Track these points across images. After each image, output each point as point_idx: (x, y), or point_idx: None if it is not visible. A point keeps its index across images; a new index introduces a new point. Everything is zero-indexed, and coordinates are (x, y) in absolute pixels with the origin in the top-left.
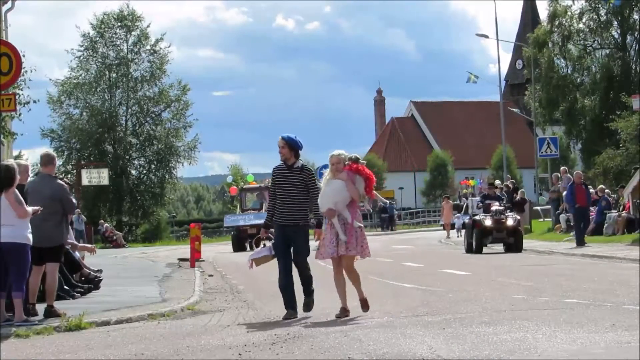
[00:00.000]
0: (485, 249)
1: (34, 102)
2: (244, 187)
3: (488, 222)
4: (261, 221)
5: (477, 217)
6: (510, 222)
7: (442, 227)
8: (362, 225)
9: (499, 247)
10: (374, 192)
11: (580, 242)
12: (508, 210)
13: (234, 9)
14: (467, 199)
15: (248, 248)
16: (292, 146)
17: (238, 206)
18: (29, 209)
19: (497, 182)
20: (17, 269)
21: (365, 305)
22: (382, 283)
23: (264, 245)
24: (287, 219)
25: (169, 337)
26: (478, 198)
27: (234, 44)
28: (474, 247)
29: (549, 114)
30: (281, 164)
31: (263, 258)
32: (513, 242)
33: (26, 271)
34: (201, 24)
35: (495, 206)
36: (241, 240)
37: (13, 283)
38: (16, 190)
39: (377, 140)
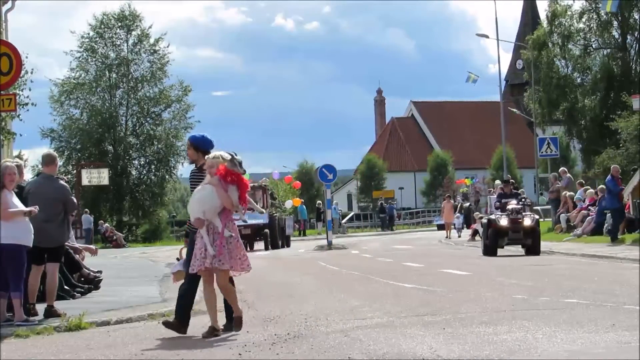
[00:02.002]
0: (502, 251)
1: (33, 104)
2: None
3: (504, 221)
4: (257, 221)
5: (492, 217)
6: (527, 222)
7: (436, 228)
8: (233, 235)
9: (516, 248)
10: (250, 199)
11: (615, 238)
12: (527, 209)
13: (233, 8)
14: (462, 198)
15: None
16: (197, 146)
17: None
18: (15, 210)
19: (497, 182)
20: (12, 269)
21: (238, 323)
22: (382, 283)
23: (178, 259)
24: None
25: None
26: (494, 197)
27: (233, 44)
28: (489, 248)
29: (549, 114)
30: (195, 168)
31: (178, 273)
32: (531, 243)
33: (22, 271)
34: (200, 23)
35: (512, 204)
36: None
37: (10, 283)
38: (4, 191)
39: (377, 140)
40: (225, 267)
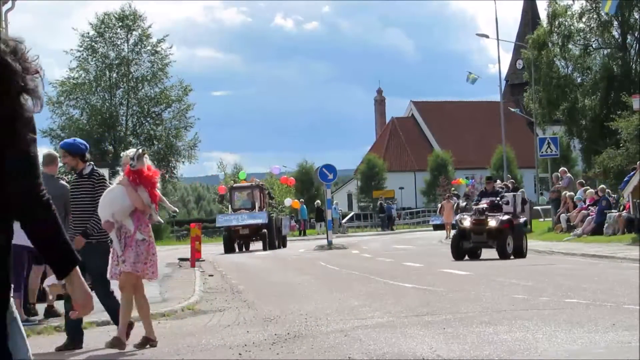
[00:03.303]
0: (473, 257)
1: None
2: (234, 185)
3: (466, 223)
4: (255, 221)
5: (457, 218)
6: (492, 222)
7: (432, 228)
8: (146, 238)
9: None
10: (161, 197)
11: None
12: (500, 208)
13: (232, 8)
14: (458, 198)
15: (237, 249)
16: (72, 152)
17: (229, 205)
18: None
19: (497, 181)
20: (13, 270)
21: (142, 343)
22: (382, 283)
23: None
24: (76, 234)
25: (169, 336)
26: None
27: (233, 44)
28: (453, 252)
29: (549, 114)
30: (76, 174)
31: (53, 286)
32: (497, 246)
33: (22, 272)
34: (200, 23)
35: (484, 204)
36: (232, 241)
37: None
38: None
39: (377, 140)
40: (127, 269)
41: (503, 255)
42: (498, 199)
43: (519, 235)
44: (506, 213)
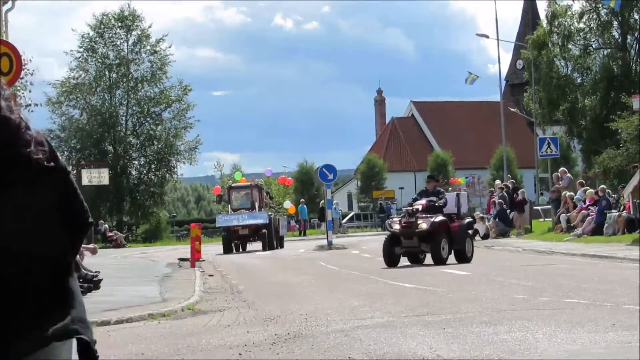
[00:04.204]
0: (410, 263)
1: (36, 105)
2: (232, 185)
3: (396, 226)
4: (256, 221)
5: (387, 221)
6: (423, 225)
7: None
8: None
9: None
10: None
11: None
12: (440, 210)
13: (232, 8)
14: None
15: (234, 250)
16: None
17: (229, 206)
18: None
19: (497, 182)
20: None
21: None
22: (382, 283)
23: None
24: None
25: (169, 337)
26: (496, 197)
27: (233, 44)
28: (385, 258)
29: (549, 114)
30: None
31: None
32: (430, 250)
33: None
34: (200, 23)
35: (418, 204)
36: (231, 241)
37: None
38: None
39: (377, 140)
40: None
41: (438, 260)
42: (436, 199)
43: (460, 238)
44: (447, 214)
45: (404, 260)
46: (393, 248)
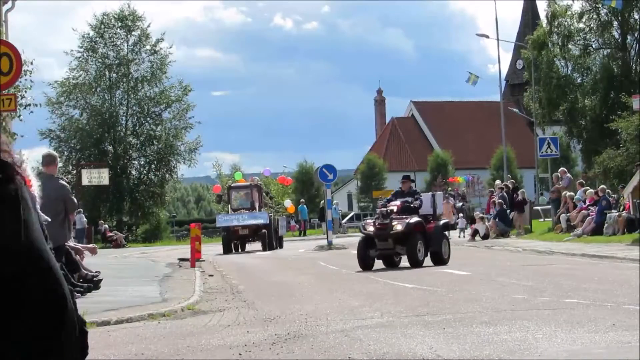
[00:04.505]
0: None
1: (36, 105)
2: (232, 185)
3: (370, 228)
4: (257, 221)
5: (361, 223)
6: (398, 227)
7: None
8: None
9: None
10: None
11: None
12: (415, 211)
13: (232, 8)
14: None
15: (234, 250)
16: None
17: (229, 206)
18: None
19: (497, 182)
20: None
21: None
22: (382, 283)
23: None
24: None
25: (169, 337)
26: (496, 197)
27: (232, 44)
28: (359, 261)
29: (549, 114)
30: None
31: None
32: (406, 252)
33: None
34: (199, 23)
35: (393, 205)
36: (231, 241)
37: None
38: None
39: (377, 140)
40: None
41: (414, 262)
42: (411, 200)
43: (436, 239)
44: (423, 215)
45: (379, 264)
46: (367, 250)
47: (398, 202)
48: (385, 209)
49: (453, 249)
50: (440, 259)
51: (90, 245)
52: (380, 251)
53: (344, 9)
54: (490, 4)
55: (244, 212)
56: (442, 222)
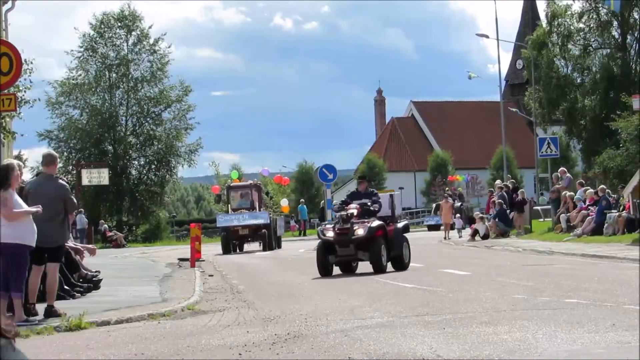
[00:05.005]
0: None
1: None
2: (231, 185)
3: (330, 234)
4: (257, 221)
5: (320, 227)
6: (360, 231)
7: (427, 229)
8: None
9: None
10: None
11: None
12: (374, 214)
13: (231, 8)
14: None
15: (232, 249)
16: None
17: (228, 206)
18: (21, 210)
19: (497, 182)
20: (15, 269)
21: None
22: (382, 283)
23: None
24: None
25: (169, 337)
26: (496, 197)
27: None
28: (319, 268)
29: (549, 114)
30: None
31: None
32: (370, 259)
33: (25, 272)
34: (199, 23)
35: (352, 208)
36: (231, 241)
37: (12, 283)
38: (9, 191)
39: (377, 140)
40: None
41: (378, 269)
42: (370, 202)
43: (398, 243)
44: (382, 218)
45: (337, 269)
46: (327, 257)
47: (357, 205)
48: (345, 213)
49: (453, 249)
50: (401, 264)
51: (90, 246)
52: (340, 257)
53: (344, 9)
54: (490, 4)
55: (244, 212)
56: (401, 224)
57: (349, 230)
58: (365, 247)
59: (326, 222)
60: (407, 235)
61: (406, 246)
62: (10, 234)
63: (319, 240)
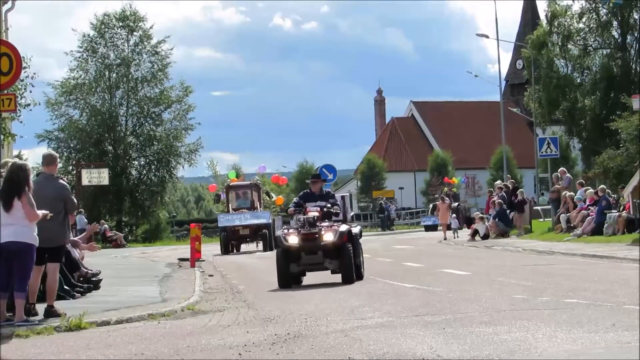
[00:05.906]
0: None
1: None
2: (231, 184)
3: (293, 239)
4: (258, 221)
5: (279, 233)
6: (328, 236)
7: (424, 229)
8: None
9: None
10: None
11: None
12: (331, 217)
13: (231, 8)
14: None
15: (230, 250)
16: None
17: (229, 205)
18: (40, 212)
19: (498, 182)
20: (21, 268)
21: None
22: (382, 283)
23: None
24: None
25: (169, 337)
26: (495, 198)
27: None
28: (279, 278)
29: (549, 114)
30: None
31: None
32: (339, 267)
33: (30, 271)
34: (198, 23)
35: (312, 211)
36: (231, 241)
37: (16, 283)
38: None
39: (377, 140)
40: None
41: (348, 279)
42: (328, 204)
43: (357, 250)
44: (337, 222)
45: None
46: (288, 265)
47: (317, 207)
48: (311, 216)
49: (452, 249)
50: (359, 274)
51: (91, 243)
52: (305, 266)
53: (344, 9)
54: (490, 4)
55: (245, 212)
56: (357, 228)
57: (317, 235)
58: (334, 255)
59: (284, 227)
60: (406, 236)
61: (361, 253)
62: (14, 233)
63: (279, 248)
